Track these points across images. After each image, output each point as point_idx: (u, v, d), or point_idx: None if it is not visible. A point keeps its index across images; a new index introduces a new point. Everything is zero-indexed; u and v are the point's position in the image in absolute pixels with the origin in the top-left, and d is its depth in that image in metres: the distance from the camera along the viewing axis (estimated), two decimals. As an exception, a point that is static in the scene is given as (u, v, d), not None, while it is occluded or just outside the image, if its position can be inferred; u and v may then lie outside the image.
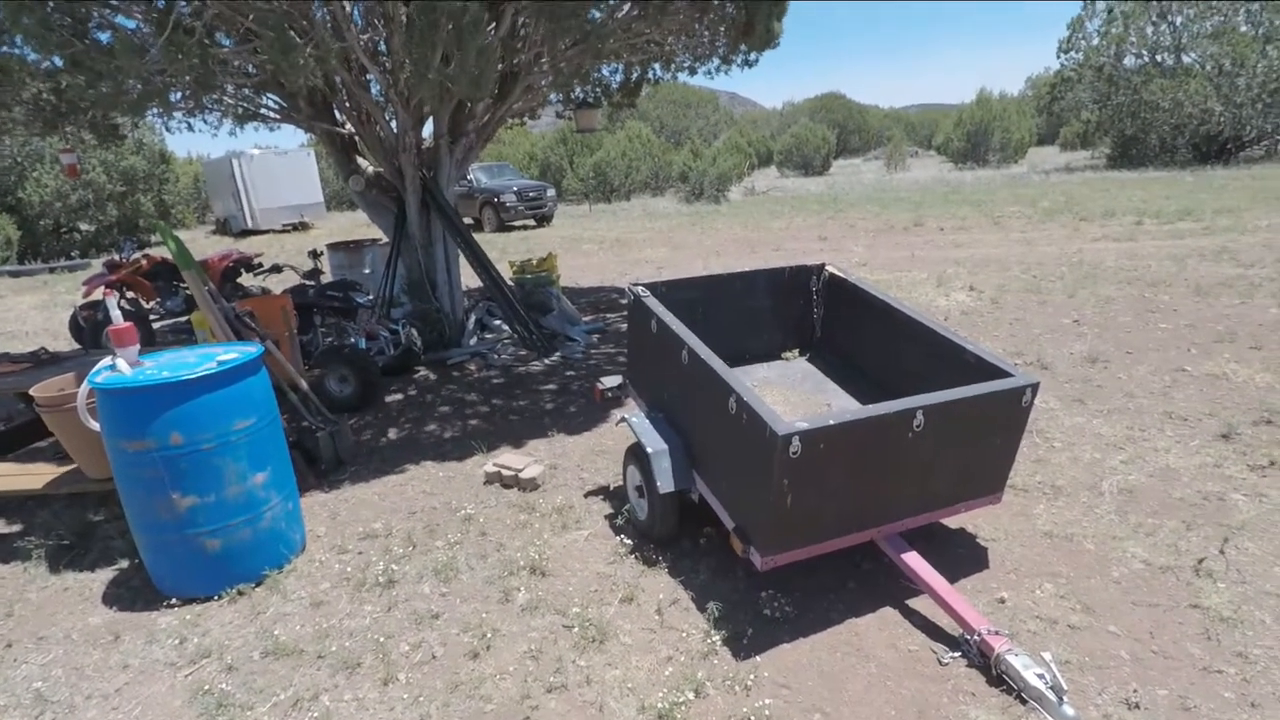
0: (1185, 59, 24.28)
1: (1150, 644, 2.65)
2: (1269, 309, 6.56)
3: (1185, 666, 2.53)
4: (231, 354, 3.42)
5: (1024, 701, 2.38)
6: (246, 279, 9.24)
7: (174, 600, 3.30)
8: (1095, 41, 26.02)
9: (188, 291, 8.25)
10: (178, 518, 3.18)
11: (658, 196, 26.86)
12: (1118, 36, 25.27)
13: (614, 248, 14.27)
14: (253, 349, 3.52)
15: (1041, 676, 2.34)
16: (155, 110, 5.65)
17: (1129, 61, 25.44)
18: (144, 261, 8.67)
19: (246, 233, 22.01)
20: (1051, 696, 2.29)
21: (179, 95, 5.10)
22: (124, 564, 3.69)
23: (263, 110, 6.36)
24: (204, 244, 20.68)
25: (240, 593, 3.34)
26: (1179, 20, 24.34)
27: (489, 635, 2.92)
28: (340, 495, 4.39)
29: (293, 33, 4.01)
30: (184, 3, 4.32)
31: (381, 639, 2.96)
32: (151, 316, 8.75)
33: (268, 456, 3.44)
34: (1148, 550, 3.21)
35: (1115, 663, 2.57)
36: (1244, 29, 22.86)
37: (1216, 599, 2.85)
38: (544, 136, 31.60)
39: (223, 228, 23.75)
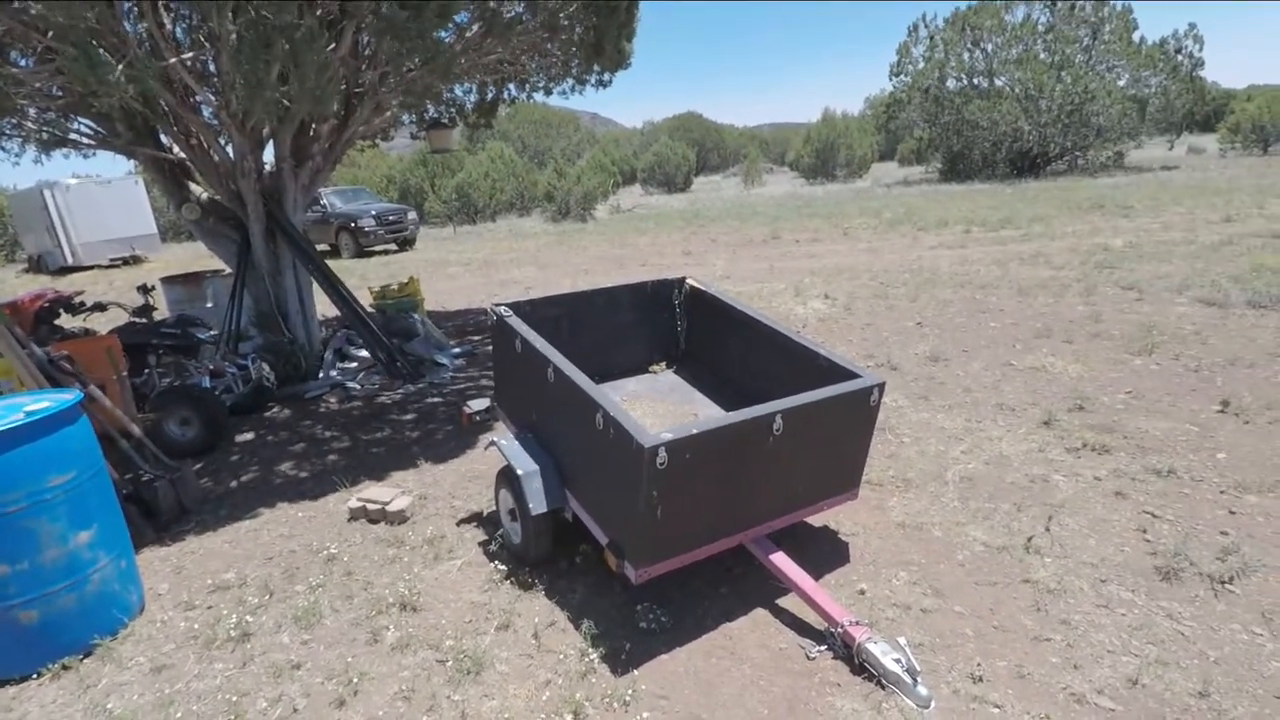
0: (997, 82, 26.97)
1: (991, 620, 2.88)
2: (1077, 307, 7.36)
3: (1020, 638, 2.77)
4: (43, 403, 3.07)
5: (884, 686, 2.52)
6: (66, 320, 8.34)
7: (-18, 685, 2.91)
8: (920, 65, 28.42)
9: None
10: (-18, 591, 2.81)
11: (524, 216, 26.73)
12: (939, 62, 27.75)
13: (481, 269, 14.04)
14: (69, 396, 3.18)
15: (898, 661, 2.49)
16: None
17: (951, 84, 27.97)
18: (-64, 305, 7.65)
19: (66, 269, 19.87)
20: (907, 679, 2.44)
21: (-34, 120, 4.56)
22: (-83, 651, 3.21)
23: (73, 135, 5.79)
24: (14, 284, 18.50)
25: (65, 666, 2.99)
26: (990, 47, 27.03)
27: (355, 680, 2.76)
28: (185, 547, 4.03)
29: (103, 51, 3.68)
30: (-34, 18, 3.88)
31: (235, 698, 2.73)
32: (-51, 365, 7.72)
33: (93, 512, 3.11)
34: (986, 533, 3.50)
35: (961, 640, 2.77)
36: (1042, 56, 25.69)
37: (1044, 573, 3.14)
38: (402, 159, 30.73)
39: (37, 266, 21.31)
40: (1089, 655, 2.65)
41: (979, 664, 2.62)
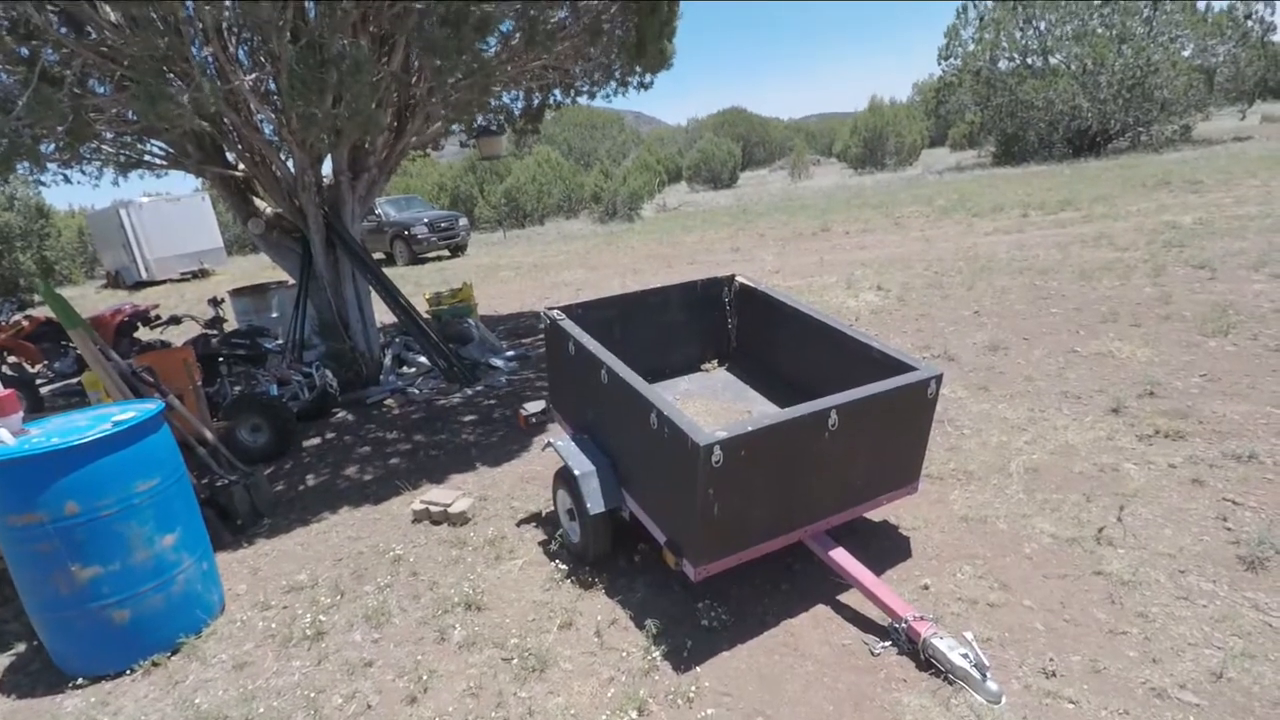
0: (1052, 60, 26.05)
1: (1062, 613, 2.81)
2: (1144, 288, 7.07)
3: (1094, 631, 2.69)
4: (129, 413, 3.24)
5: (951, 682, 2.48)
6: (144, 333, 8.78)
7: (81, 680, 3.10)
8: (971, 47, 27.64)
9: (78, 351, 7.78)
10: (79, 591, 2.99)
11: (571, 219, 26.94)
12: (990, 42, 26.93)
13: (531, 273, 14.22)
14: (152, 406, 3.35)
15: (966, 656, 2.45)
16: (26, 165, 5.33)
17: (1003, 65, 27.11)
18: (25, 323, 8.13)
19: (141, 284, 20.88)
20: (976, 674, 2.40)
21: (51, 147, 4.83)
22: (21, 647, 3.44)
23: (147, 157, 6.08)
24: (94, 300, 19.50)
25: (155, 664, 3.15)
26: (1043, 24, 26.12)
27: (425, 677, 2.84)
28: (260, 549, 4.21)
29: (172, 75, 3.86)
30: (50, 52, 4.11)
31: (312, 694, 2.84)
32: (39, 380, 8.19)
33: (176, 516, 3.27)
34: (1054, 524, 3.40)
35: (1031, 635, 2.71)
36: (1100, 30, 24.71)
37: (1117, 564, 3.04)
38: (452, 166, 31.29)
39: (115, 281, 22.44)
40: (1169, 648, 2.56)
41: (1051, 659, 2.56)
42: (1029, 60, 26.70)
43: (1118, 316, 6.32)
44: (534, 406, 4.25)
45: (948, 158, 36.50)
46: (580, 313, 3.98)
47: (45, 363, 8.19)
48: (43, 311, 9.56)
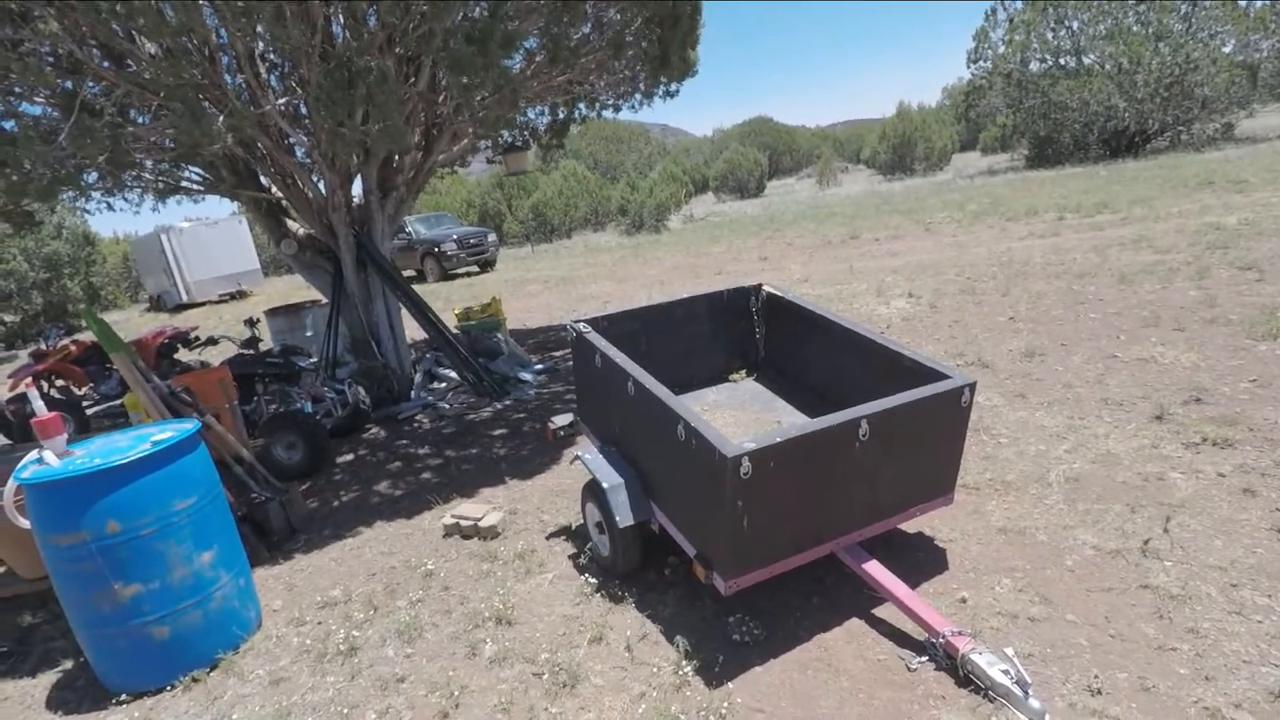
0: (1086, 60, 25.59)
1: (1107, 629, 2.71)
2: (1188, 291, 6.87)
3: (1141, 647, 2.60)
4: (166, 433, 3.31)
5: (992, 699, 2.40)
6: (184, 354, 8.99)
7: (124, 696, 3.15)
8: (1001, 49, 27.28)
9: (121, 374, 7.99)
10: (121, 609, 3.05)
11: (599, 231, 27.09)
12: (1021, 44, 26.55)
13: (559, 286, 14.30)
14: (189, 425, 3.42)
15: (1007, 672, 2.38)
16: (70, 194, 5.51)
17: (1034, 66, 26.70)
18: (73, 347, 8.39)
19: (182, 307, 21.47)
20: (1018, 691, 2.32)
21: (94, 177, 4.99)
22: (68, 665, 3.51)
23: (184, 183, 6.26)
24: (138, 323, 20.09)
25: (195, 679, 3.20)
26: (1075, 24, 25.70)
27: (457, 693, 2.84)
28: (295, 565, 4.26)
29: (207, 103, 3.97)
30: (92, 84, 4.25)
31: (346, 710, 2.86)
32: (86, 403, 8.43)
33: (213, 534, 3.33)
34: (1097, 536, 3.30)
35: (1075, 651, 2.62)
36: (1135, 29, 24.23)
37: (1164, 578, 2.93)
38: (480, 183, 31.72)
39: (157, 304, 23.12)
40: (1222, 666, 2.46)
41: (1096, 675, 2.47)
42: (1062, 61, 26.25)
43: (1160, 321, 6.15)
44: (562, 419, 4.26)
45: (979, 162, 36.00)
46: (606, 325, 3.98)
47: (91, 385, 8.43)
48: (88, 336, 9.86)
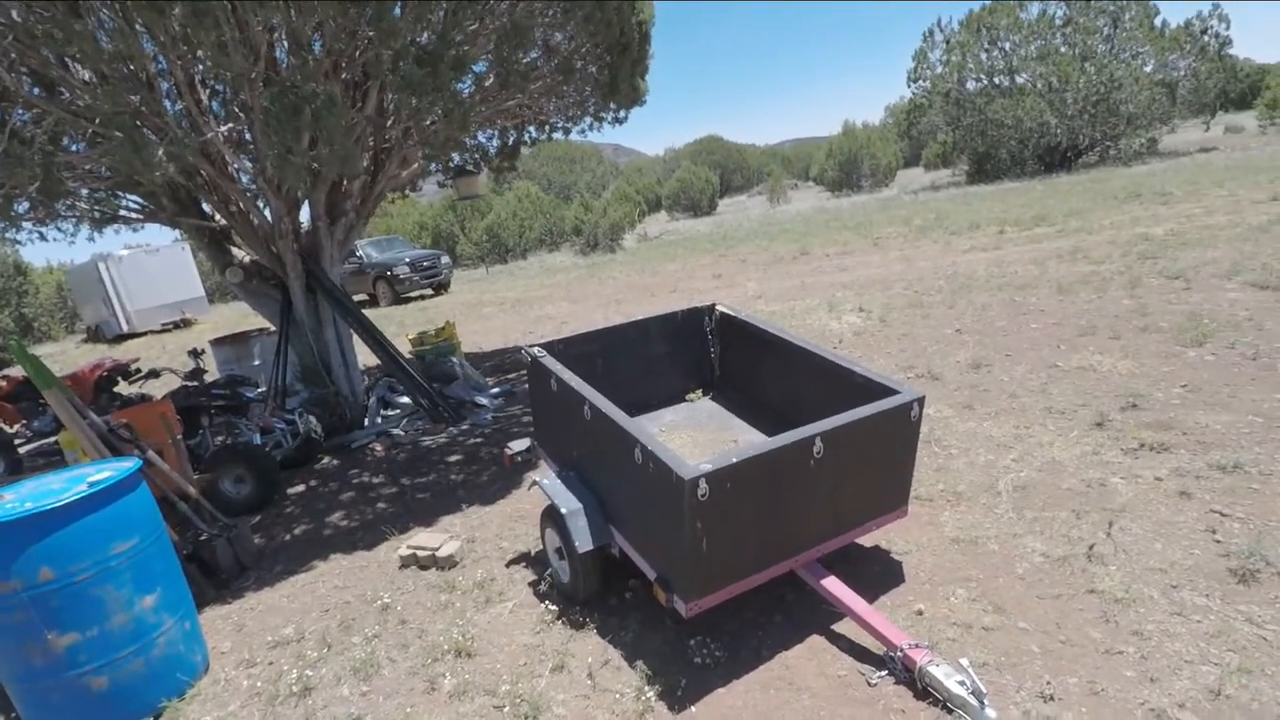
0: (1019, 79, 26.65)
1: (1057, 635, 2.79)
2: (1122, 300, 7.16)
3: (1090, 652, 2.67)
4: (105, 473, 3.18)
5: (950, 710, 2.44)
6: (124, 387, 8.67)
7: (60, 752, 2.99)
8: (939, 70, 28.26)
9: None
10: (55, 660, 2.90)
11: (554, 252, 27.08)
12: (957, 64, 27.57)
13: (515, 308, 14.23)
14: (129, 464, 3.29)
15: (963, 683, 2.42)
16: (0, 224, 5.30)
17: (971, 85, 27.74)
18: (2, 383, 8.03)
19: (122, 337, 20.70)
20: (974, 701, 2.37)
21: (24, 206, 4.81)
22: (-1, 720, 3.33)
23: (122, 212, 6.07)
24: (74, 355, 19.32)
25: (136, 731, 3.06)
26: (1007, 45, 26.78)
27: (416, 732, 2.77)
28: (245, 603, 4.12)
29: (146, 130, 3.87)
30: (21, 111, 4.11)
31: (300, 756, 2.76)
32: (18, 440, 8.06)
33: (156, 576, 3.20)
34: (1045, 543, 3.39)
35: (1028, 658, 2.69)
36: (1064, 50, 25.35)
37: (1109, 582, 3.03)
38: (432, 205, 31.46)
39: (95, 335, 22.25)
40: (1166, 667, 2.54)
41: (1048, 682, 2.53)
42: (996, 80, 27.33)
43: (1096, 330, 6.39)
44: (519, 445, 4.22)
45: (923, 177, 37.07)
46: (561, 349, 3.97)
47: (24, 422, 8.06)
48: (19, 370, 9.44)
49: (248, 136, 5.67)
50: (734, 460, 2.65)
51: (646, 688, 2.79)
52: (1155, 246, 9.24)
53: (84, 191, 5.55)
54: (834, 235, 16.78)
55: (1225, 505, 3.46)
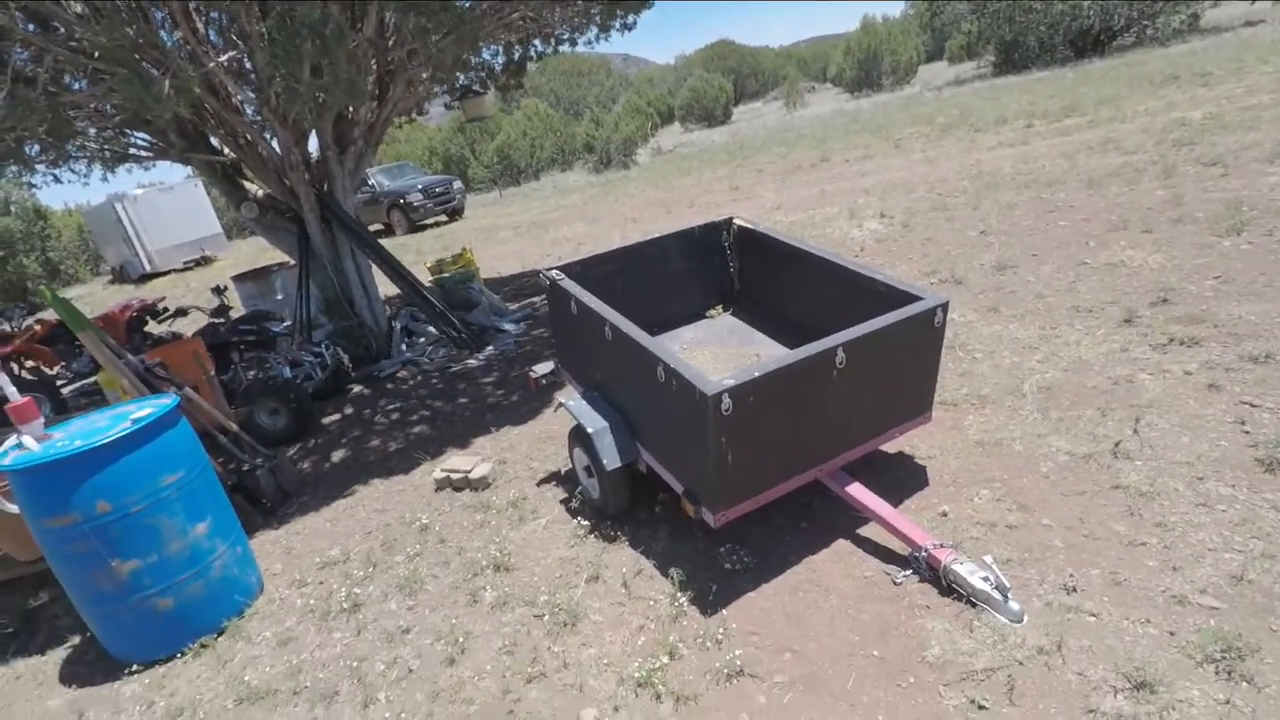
0: (1050, -42, 24.97)
1: (1080, 530, 2.83)
2: (1155, 192, 6.91)
3: (1113, 545, 2.72)
4: (145, 410, 3.29)
5: (974, 605, 2.52)
6: (154, 326, 8.83)
7: (135, 666, 3.22)
8: (964, -48, 26.56)
9: (92, 349, 7.85)
10: (121, 585, 3.08)
11: (566, 171, 26.59)
12: (984, -55, 25.85)
13: (530, 231, 14.11)
14: (168, 400, 3.39)
15: (987, 579, 2.49)
16: (14, 168, 5.30)
17: (998, -32, 26.05)
18: (38, 327, 8.20)
19: (147, 277, 20.91)
20: (997, 596, 2.44)
21: (36, 149, 4.79)
22: (76, 640, 3.57)
23: (132, 150, 6.02)
24: (103, 296, 19.62)
25: (203, 645, 3.27)
26: (1038, -79, 24.97)
27: (462, 639, 2.93)
28: (292, 529, 4.31)
29: (146, 65, 3.80)
30: (21, 51, 4.04)
31: (355, 663, 2.94)
32: (60, 381, 8.31)
33: (205, 505, 3.35)
34: (1070, 442, 3.41)
35: (1051, 553, 2.74)
36: (1099, -78, 23.61)
37: (1135, 476, 3.05)
38: (441, 129, 30.82)
39: (120, 275, 22.48)
40: (1189, 556, 2.58)
41: (1071, 575, 2.59)
42: (1025, -40, 25.61)
43: (1128, 224, 6.20)
44: (543, 368, 4.27)
45: (946, 72, 35.41)
46: (579, 270, 3.96)
47: (63, 364, 8.28)
48: (52, 314, 9.63)
49: (248, 65, 5.55)
50: (756, 375, 2.66)
51: (679, 593, 2.91)
52: (1192, 132, 8.83)
53: (92, 131, 5.51)
54: (854, 139, 16.25)
55: (1255, 396, 3.43)
